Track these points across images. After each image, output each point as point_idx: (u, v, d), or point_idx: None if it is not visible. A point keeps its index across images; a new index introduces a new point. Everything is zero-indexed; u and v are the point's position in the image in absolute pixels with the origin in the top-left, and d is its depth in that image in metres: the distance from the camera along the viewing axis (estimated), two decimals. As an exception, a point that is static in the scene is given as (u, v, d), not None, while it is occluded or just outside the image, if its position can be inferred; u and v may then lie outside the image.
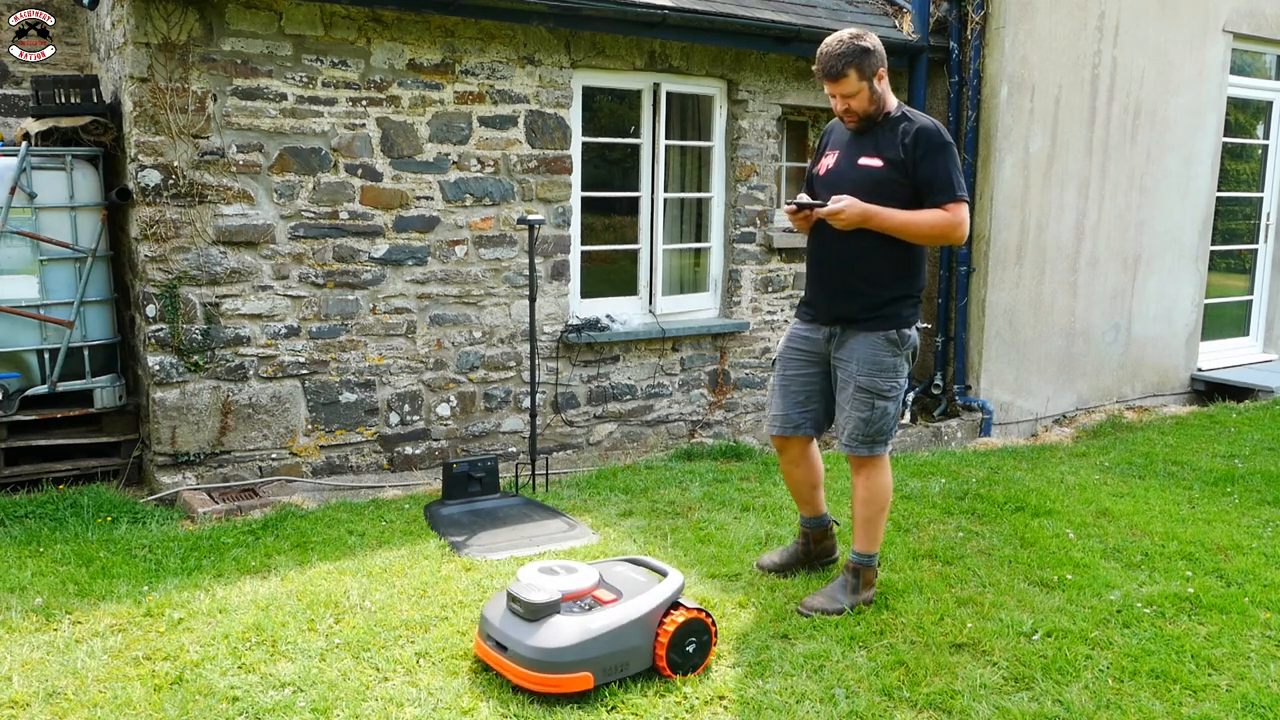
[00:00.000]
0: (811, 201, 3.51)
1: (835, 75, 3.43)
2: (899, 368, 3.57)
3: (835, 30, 3.59)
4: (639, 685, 3.04)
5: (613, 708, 2.94)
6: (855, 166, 3.55)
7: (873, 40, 3.46)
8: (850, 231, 3.46)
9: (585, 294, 6.27)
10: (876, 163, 3.50)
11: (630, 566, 3.36)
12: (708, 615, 3.17)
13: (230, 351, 5.12)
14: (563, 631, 2.96)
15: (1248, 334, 9.13)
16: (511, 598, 3.06)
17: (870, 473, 3.62)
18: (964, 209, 3.48)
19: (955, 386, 7.19)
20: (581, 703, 2.95)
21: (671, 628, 3.07)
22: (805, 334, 3.73)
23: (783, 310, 6.92)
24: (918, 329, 3.64)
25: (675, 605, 3.14)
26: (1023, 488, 5.21)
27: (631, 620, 3.03)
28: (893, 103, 3.57)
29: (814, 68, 3.50)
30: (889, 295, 3.54)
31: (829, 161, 3.65)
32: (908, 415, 7.31)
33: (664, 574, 3.26)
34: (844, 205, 3.40)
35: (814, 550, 3.99)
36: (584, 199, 6.16)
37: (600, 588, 3.16)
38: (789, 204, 3.59)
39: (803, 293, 3.87)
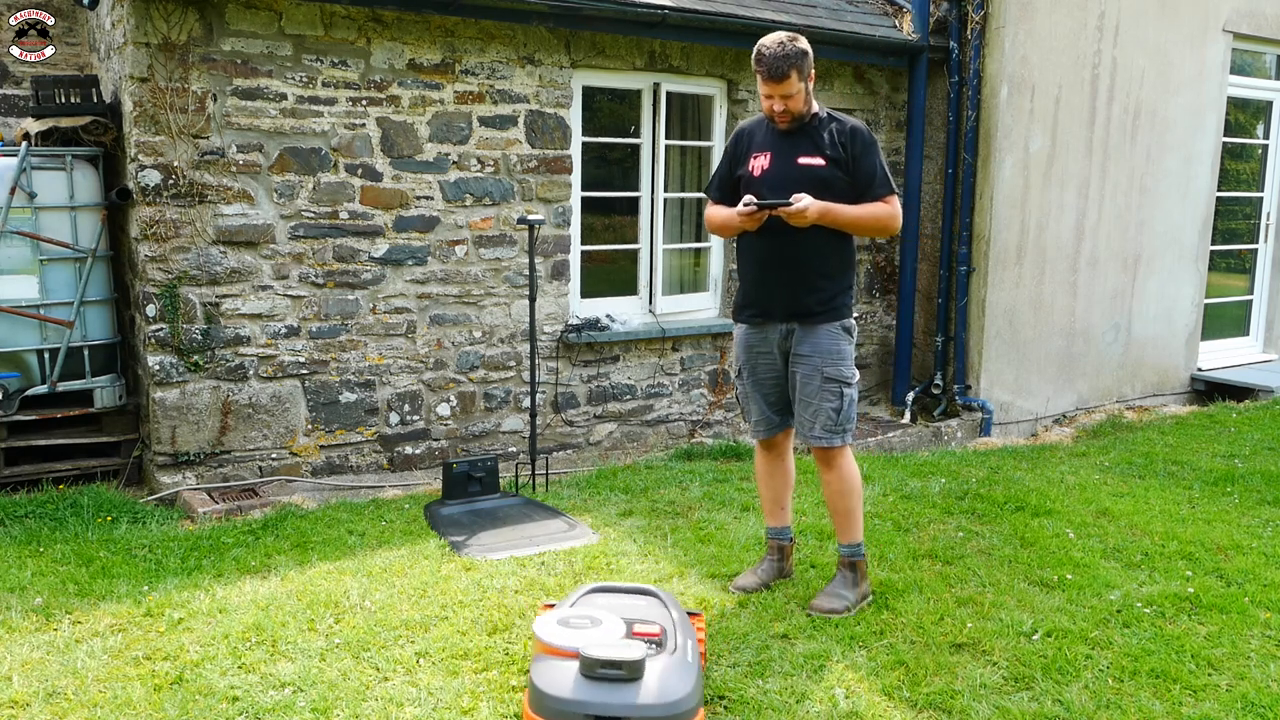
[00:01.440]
0: (775, 201, 3.51)
1: (781, 76, 3.50)
2: (852, 355, 3.73)
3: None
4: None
5: (613, 708, 2.94)
6: (796, 166, 3.60)
7: (806, 43, 3.58)
8: (802, 229, 3.52)
9: (585, 294, 6.27)
10: (819, 161, 3.60)
11: (609, 595, 3.18)
12: (700, 614, 3.28)
13: (230, 351, 5.12)
14: (675, 677, 2.74)
15: (1248, 334, 9.13)
16: (601, 663, 2.69)
17: (841, 462, 3.72)
18: (898, 202, 3.69)
19: (955, 386, 7.19)
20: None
21: (702, 636, 3.12)
22: (761, 335, 3.76)
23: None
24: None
25: (688, 615, 3.18)
26: (1023, 488, 5.21)
27: (695, 641, 2.99)
28: (814, 104, 3.69)
29: (756, 68, 3.55)
30: (838, 287, 3.68)
31: (762, 162, 3.66)
32: (907, 415, 7.31)
33: (649, 593, 3.20)
34: (807, 203, 3.46)
35: (786, 566, 3.96)
36: (584, 199, 6.16)
37: (634, 624, 2.99)
38: (749, 204, 3.54)
39: (738, 298, 3.84)
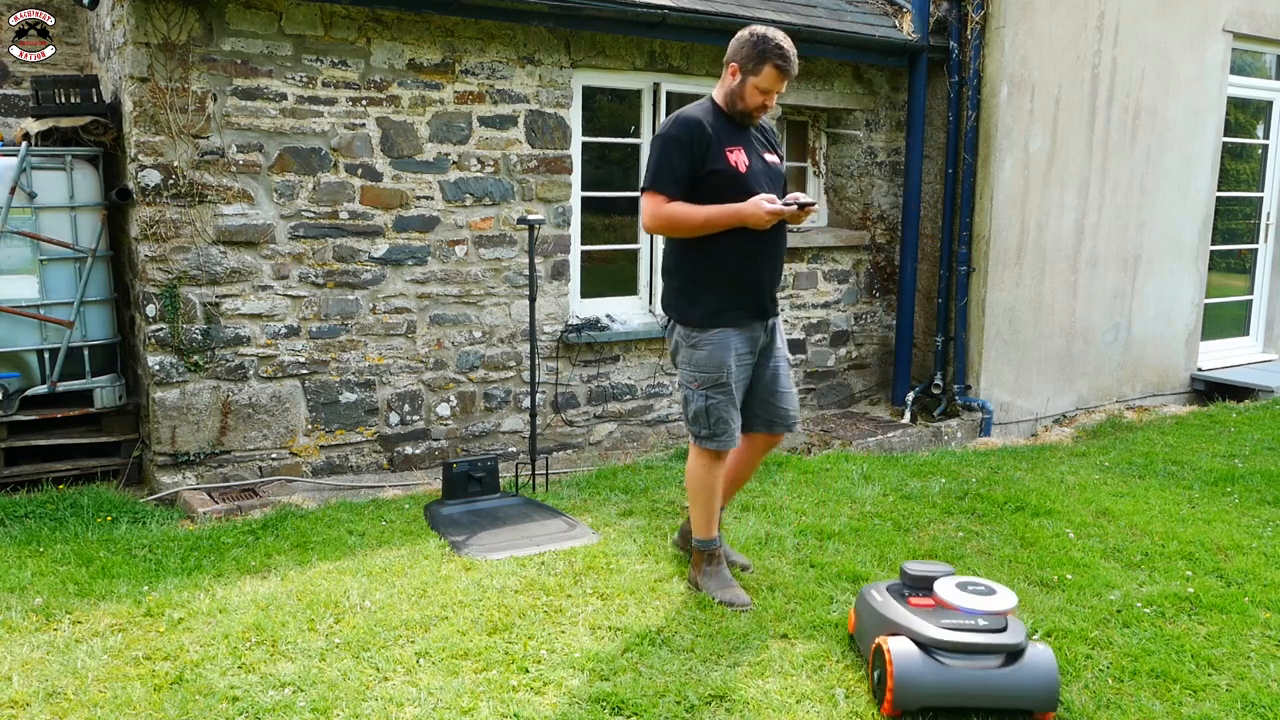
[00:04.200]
0: (811, 200, 3.52)
1: (793, 74, 3.58)
2: None
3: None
4: (636, 684, 3.05)
5: (615, 708, 2.94)
6: (765, 162, 3.65)
7: None
8: (774, 226, 3.55)
9: (585, 294, 6.27)
10: (776, 159, 3.72)
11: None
12: None
13: (230, 351, 5.12)
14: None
15: (1248, 334, 9.13)
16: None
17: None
18: None
19: (955, 386, 7.19)
20: (577, 701, 2.96)
21: None
22: (748, 336, 3.63)
23: (781, 309, 6.92)
24: None
25: None
26: (1023, 488, 5.21)
27: None
28: None
29: (774, 63, 3.52)
30: None
31: (741, 158, 3.54)
32: (907, 415, 7.31)
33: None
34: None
35: None
36: (584, 199, 6.16)
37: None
38: (798, 201, 3.43)
39: (714, 301, 3.56)
